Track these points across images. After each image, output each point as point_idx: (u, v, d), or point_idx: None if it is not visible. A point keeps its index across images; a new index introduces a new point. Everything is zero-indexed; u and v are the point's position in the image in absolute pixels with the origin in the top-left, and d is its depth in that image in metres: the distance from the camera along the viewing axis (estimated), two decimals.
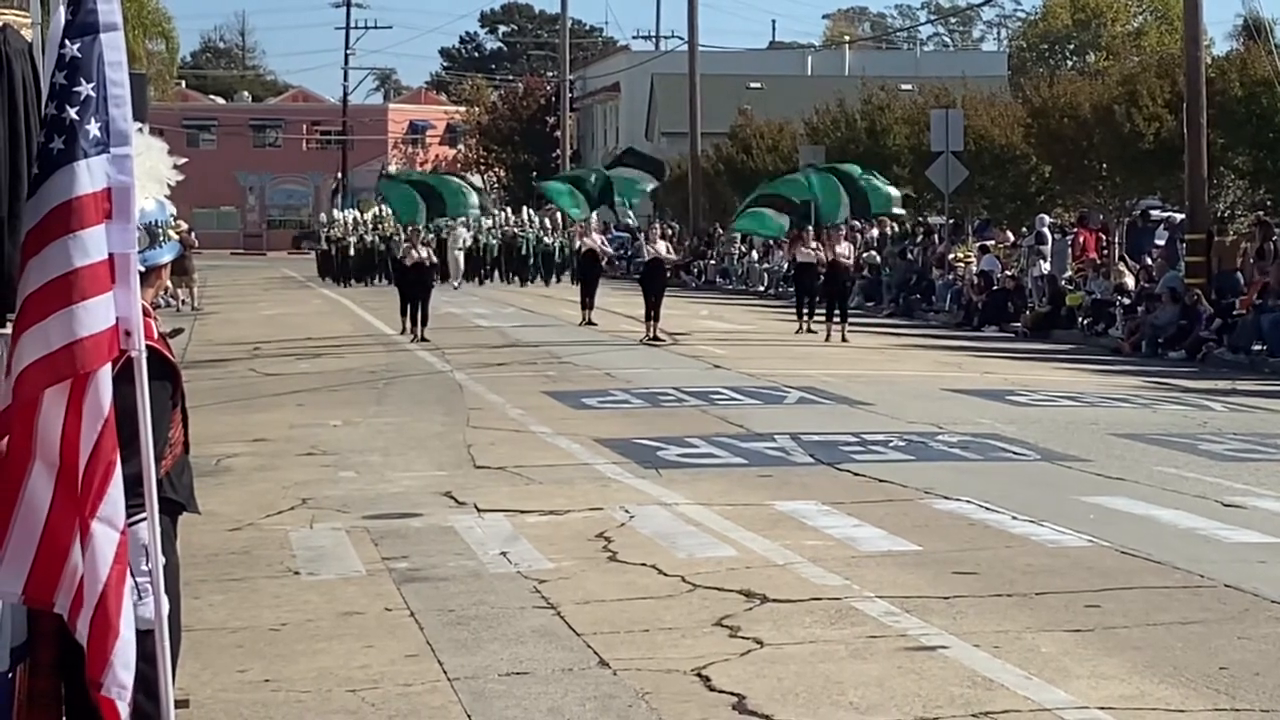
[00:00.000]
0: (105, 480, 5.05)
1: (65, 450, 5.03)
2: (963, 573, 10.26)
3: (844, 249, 30.33)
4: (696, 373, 23.28)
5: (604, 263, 35.29)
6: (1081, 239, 36.10)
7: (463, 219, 49.92)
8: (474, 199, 33.45)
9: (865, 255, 41.13)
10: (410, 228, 31.62)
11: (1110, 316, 31.07)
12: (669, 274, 32.83)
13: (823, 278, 30.57)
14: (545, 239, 53.80)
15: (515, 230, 54.54)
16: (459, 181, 35.31)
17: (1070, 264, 35.39)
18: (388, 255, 34.26)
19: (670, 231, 37.52)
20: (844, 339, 29.45)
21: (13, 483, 5.04)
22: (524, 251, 53.78)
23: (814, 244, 31.30)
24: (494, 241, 54.10)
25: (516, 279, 53.06)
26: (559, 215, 54.31)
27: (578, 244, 35.15)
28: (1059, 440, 16.37)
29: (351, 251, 53.52)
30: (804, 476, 14.11)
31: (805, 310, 31.98)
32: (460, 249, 50.67)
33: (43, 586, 5.08)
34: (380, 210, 58.14)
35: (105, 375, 5.08)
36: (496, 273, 53.94)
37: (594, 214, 35.00)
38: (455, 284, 48.36)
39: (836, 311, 30.04)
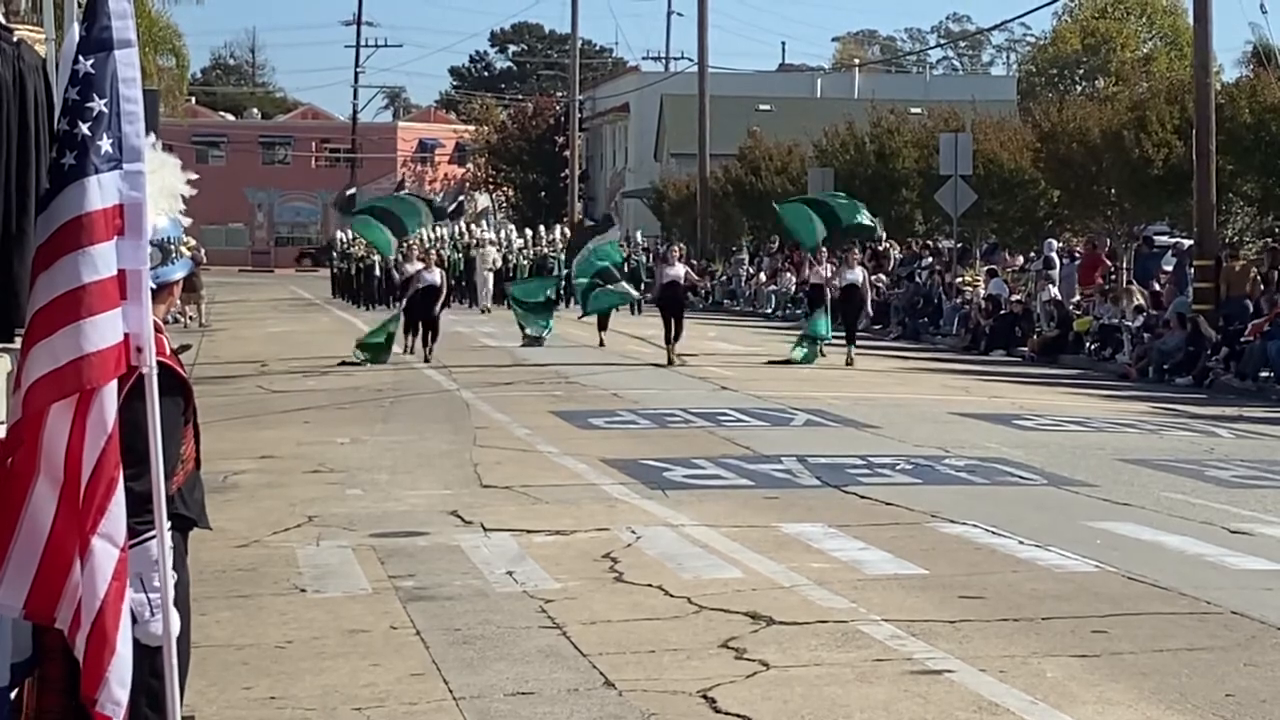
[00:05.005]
0: (107, 496, 5.04)
1: (69, 465, 5.03)
2: (969, 597, 10.25)
3: (858, 273, 30.18)
4: (704, 394, 23.27)
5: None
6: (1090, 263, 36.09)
7: (491, 238, 49.14)
8: (424, 217, 32.13)
9: (874, 278, 41.07)
10: (422, 247, 31.37)
11: (1118, 341, 31.03)
12: (687, 294, 32.31)
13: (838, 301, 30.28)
14: None
15: (547, 251, 52.89)
16: (413, 201, 34.03)
17: (1078, 288, 35.38)
18: (414, 277, 32.54)
19: (680, 251, 37.15)
20: (849, 362, 29.25)
21: (16, 497, 5.04)
22: (555, 273, 51.81)
23: (825, 266, 31.08)
24: (524, 263, 51.34)
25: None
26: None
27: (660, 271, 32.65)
28: (1066, 465, 16.35)
29: (377, 271, 50.50)
30: (810, 499, 14.10)
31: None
32: (489, 269, 49.75)
33: (44, 601, 5.07)
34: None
35: (111, 391, 5.07)
36: None
37: (639, 233, 34.48)
38: (484, 307, 47.52)
39: (843, 334, 29.93)
